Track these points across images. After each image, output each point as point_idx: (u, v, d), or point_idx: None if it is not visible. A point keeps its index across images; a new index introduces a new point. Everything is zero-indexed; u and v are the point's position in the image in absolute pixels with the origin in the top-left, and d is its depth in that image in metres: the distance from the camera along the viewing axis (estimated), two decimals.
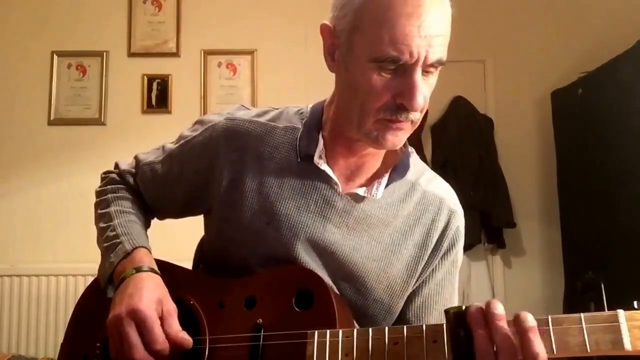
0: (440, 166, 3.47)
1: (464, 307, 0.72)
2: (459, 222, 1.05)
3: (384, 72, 0.84)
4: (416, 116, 0.88)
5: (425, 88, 0.86)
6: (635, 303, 0.66)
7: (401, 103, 0.85)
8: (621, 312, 0.66)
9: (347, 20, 0.87)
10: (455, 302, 1.07)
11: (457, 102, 3.62)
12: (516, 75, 3.70)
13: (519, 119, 3.68)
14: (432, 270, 1.03)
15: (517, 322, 0.68)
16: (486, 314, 0.70)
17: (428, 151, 3.58)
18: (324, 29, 0.93)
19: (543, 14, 3.72)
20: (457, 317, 0.72)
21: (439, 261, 1.03)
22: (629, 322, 0.65)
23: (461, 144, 3.52)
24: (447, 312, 0.74)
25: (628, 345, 0.65)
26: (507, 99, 3.69)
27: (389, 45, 0.81)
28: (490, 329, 0.69)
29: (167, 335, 0.88)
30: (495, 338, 0.69)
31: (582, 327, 0.67)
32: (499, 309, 0.70)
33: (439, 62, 0.85)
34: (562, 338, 0.67)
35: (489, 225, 3.47)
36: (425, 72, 0.85)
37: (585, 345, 0.67)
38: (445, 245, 1.03)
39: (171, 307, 0.91)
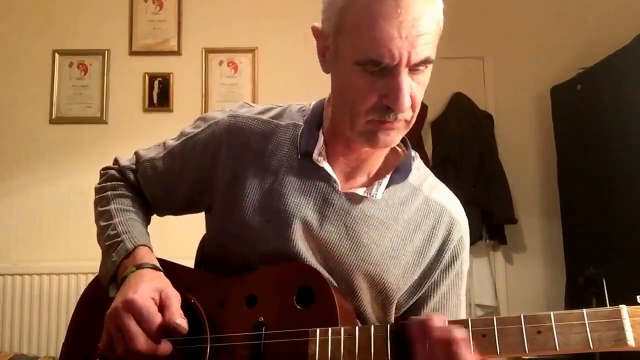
0: (440, 163, 3.47)
1: (403, 323, 0.75)
2: (462, 232, 1.02)
3: (368, 74, 0.83)
4: (408, 116, 0.87)
5: (415, 87, 0.84)
6: (638, 298, 0.66)
7: (387, 105, 0.84)
8: (624, 308, 0.65)
9: (332, 23, 0.87)
10: (462, 314, 1.05)
11: (456, 98, 3.61)
12: (515, 72, 3.69)
13: (519, 115, 3.68)
14: (435, 283, 1.00)
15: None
16: (424, 327, 0.72)
17: (428, 147, 3.58)
18: (314, 30, 0.93)
19: (542, 11, 3.71)
20: (396, 334, 0.76)
21: (441, 274, 1.00)
22: (631, 317, 0.65)
23: (461, 141, 3.51)
24: (385, 327, 0.78)
25: (631, 341, 0.64)
26: (506, 95, 3.68)
27: (370, 49, 0.80)
28: (428, 343, 0.71)
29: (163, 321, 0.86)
30: (432, 352, 0.71)
31: (584, 323, 0.67)
32: (435, 321, 0.71)
33: (426, 61, 0.82)
34: (564, 334, 0.67)
35: (490, 222, 3.46)
36: (413, 71, 0.83)
37: (588, 342, 0.66)
38: (447, 256, 1.00)
39: (171, 293, 0.90)
